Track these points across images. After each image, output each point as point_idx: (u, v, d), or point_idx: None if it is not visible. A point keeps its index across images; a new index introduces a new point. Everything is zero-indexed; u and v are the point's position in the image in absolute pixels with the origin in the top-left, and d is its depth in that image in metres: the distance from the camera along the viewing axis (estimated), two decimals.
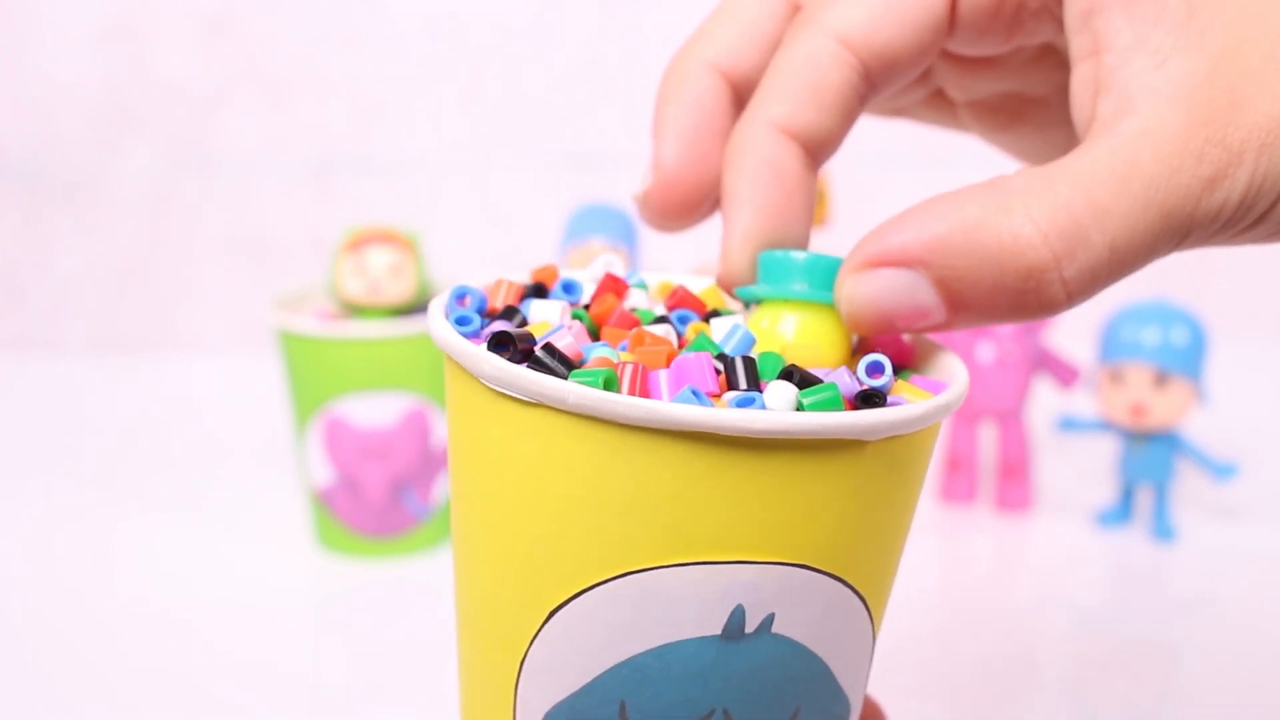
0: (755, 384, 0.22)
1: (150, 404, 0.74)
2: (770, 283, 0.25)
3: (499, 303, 0.25)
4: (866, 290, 0.22)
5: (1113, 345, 0.52)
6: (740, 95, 0.28)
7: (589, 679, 0.22)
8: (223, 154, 0.86)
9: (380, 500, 0.49)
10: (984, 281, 0.21)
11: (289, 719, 0.39)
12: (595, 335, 0.24)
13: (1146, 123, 0.21)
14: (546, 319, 0.24)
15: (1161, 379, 0.51)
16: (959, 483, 0.56)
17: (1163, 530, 0.52)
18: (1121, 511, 0.53)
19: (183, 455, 0.64)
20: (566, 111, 0.85)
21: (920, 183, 0.84)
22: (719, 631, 0.22)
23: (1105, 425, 0.53)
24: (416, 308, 0.50)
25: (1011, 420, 0.55)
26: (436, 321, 0.24)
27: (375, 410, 0.49)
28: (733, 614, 0.22)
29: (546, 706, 0.23)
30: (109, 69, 0.84)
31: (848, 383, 0.22)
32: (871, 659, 0.25)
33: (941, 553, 0.52)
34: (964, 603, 0.47)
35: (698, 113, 0.27)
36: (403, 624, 0.45)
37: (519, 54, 0.85)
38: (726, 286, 0.26)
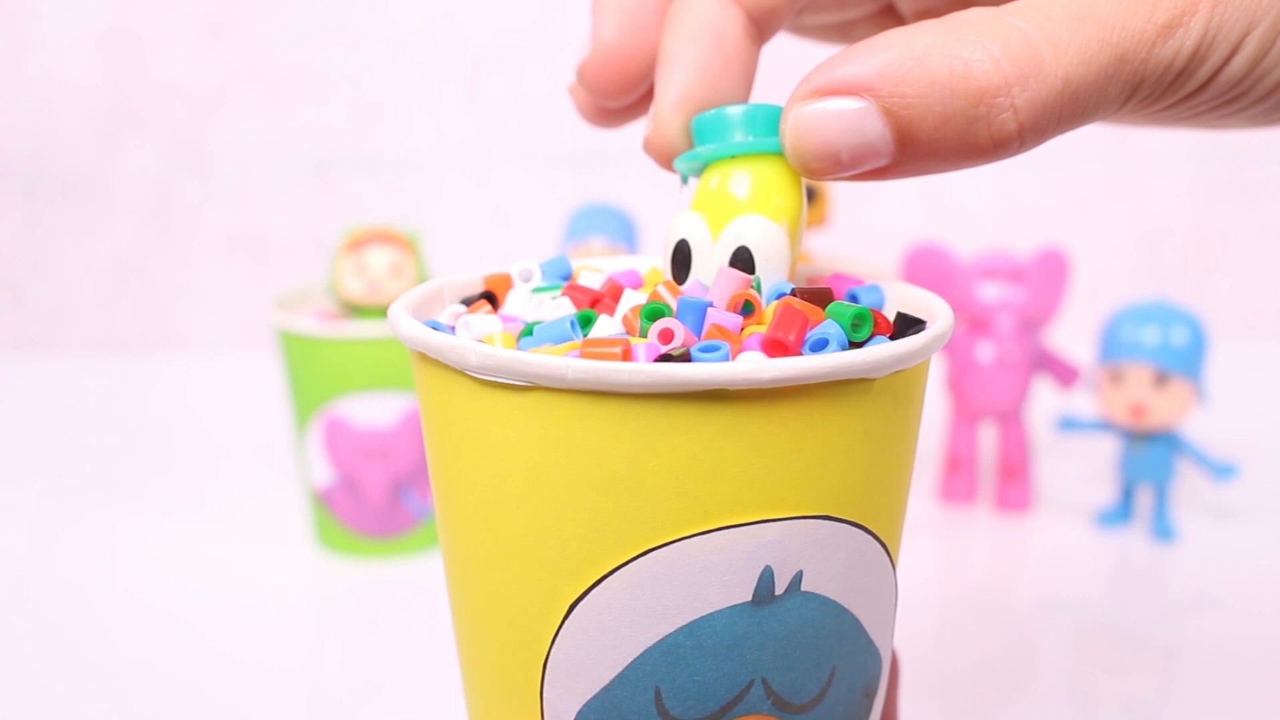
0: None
1: (150, 404, 0.74)
2: (710, 142, 0.24)
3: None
4: (812, 121, 0.21)
5: (1113, 345, 0.52)
6: None
7: (619, 669, 0.21)
8: (223, 154, 0.86)
9: (380, 500, 0.49)
10: (933, 110, 0.20)
11: (289, 719, 0.39)
12: None
13: None
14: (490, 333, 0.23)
15: (1161, 379, 0.51)
16: (959, 483, 0.56)
17: (1163, 530, 0.52)
18: (1121, 511, 0.53)
19: (183, 455, 0.64)
20: (566, 111, 0.85)
21: (919, 181, 0.84)
22: (749, 597, 0.21)
23: (1105, 425, 0.53)
24: None
25: (1011, 420, 0.55)
26: (406, 322, 0.23)
27: (375, 410, 0.49)
28: (762, 576, 0.21)
29: (577, 706, 0.22)
30: (109, 69, 0.84)
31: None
32: (895, 610, 0.24)
33: (941, 553, 0.52)
34: (964, 603, 0.47)
35: None
36: (403, 624, 0.45)
37: (519, 54, 0.85)
38: (656, 151, 0.25)
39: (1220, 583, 0.48)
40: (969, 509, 0.56)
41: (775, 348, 0.21)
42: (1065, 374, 0.55)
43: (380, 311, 0.49)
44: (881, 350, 0.20)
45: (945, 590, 0.48)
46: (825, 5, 0.30)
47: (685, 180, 0.26)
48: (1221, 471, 0.52)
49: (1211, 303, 0.82)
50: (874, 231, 0.80)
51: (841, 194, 0.68)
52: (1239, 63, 0.21)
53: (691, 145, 0.25)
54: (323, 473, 0.50)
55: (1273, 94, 0.22)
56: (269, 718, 0.38)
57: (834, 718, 0.23)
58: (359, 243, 0.50)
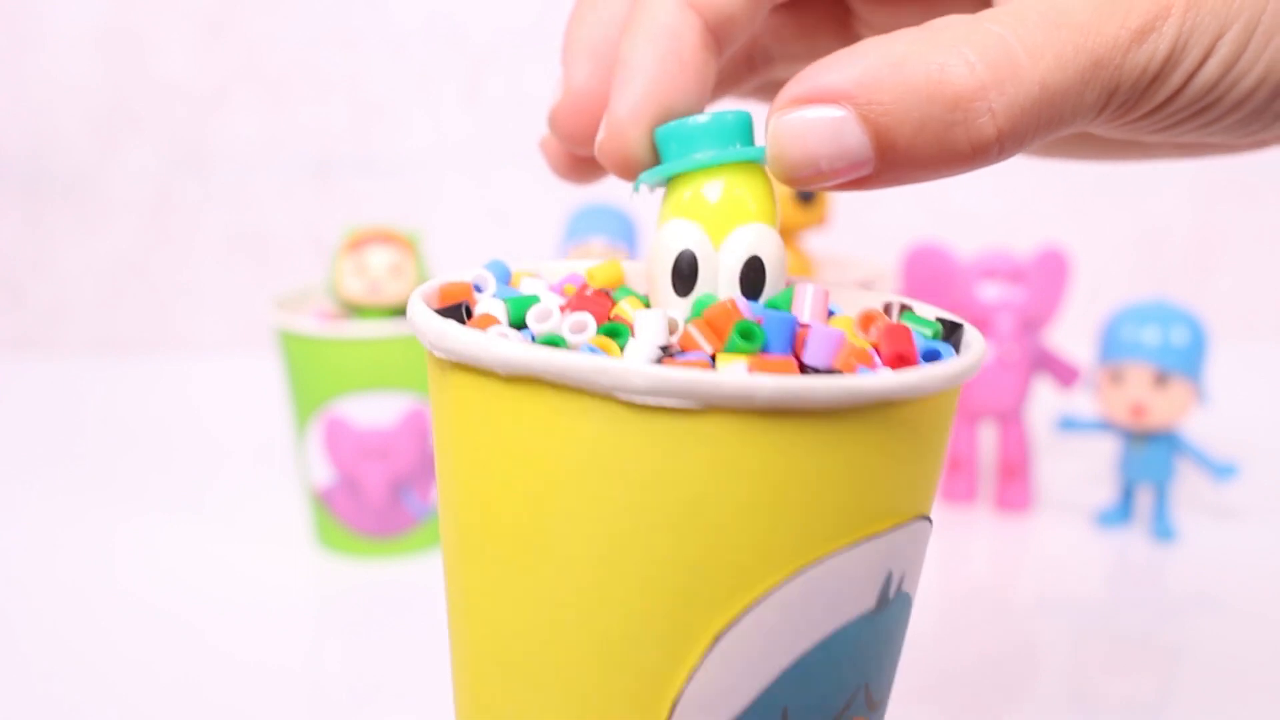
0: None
1: (150, 404, 0.74)
2: (678, 155, 0.24)
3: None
4: (792, 130, 0.21)
5: (1113, 345, 0.52)
6: None
7: (755, 695, 0.20)
8: (223, 154, 0.86)
9: (380, 500, 0.49)
10: (911, 116, 0.20)
11: (289, 719, 0.39)
12: None
13: None
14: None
15: (1161, 379, 0.51)
16: (959, 483, 0.56)
17: (1163, 530, 0.52)
18: (1121, 511, 0.53)
19: (183, 455, 0.64)
20: None
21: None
22: (874, 605, 0.21)
23: (1105, 425, 0.53)
24: None
25: (1011, 420, 0.55)
26: (523, 349, 0.19)
27: (375, 410, 0.49)
28: (885, 582, 0.21)
29: None
30: (109, 69, 0.84)
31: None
32: None
33: (941, 553, 0.52)
34: (964, 603, 0.47)
35: (609, 31, 0.26)
36: (403, 624, 0.45)
37: (519, 54, 0.85)
38: (612, 157, 0.25)
39: (1220, 583, 0.48)
40: (969, 509, 0.56)
41: (902, 362, 0.21)
42: (1065, 374, 0.55)
43: (380, 311, 0.49)
44: (977, 352, 0.22)
45: (945, 590, 0.48)
46: (795, 53, 0.30)
47: (637, 188, 0.25)
48: (1221, 471, 0.52)
49: (1211, 303, 0.82)
50: (874, 232, 0.80)
51: (841, 195, 0.68)
52: (1212, 67, 0.21)
53: (652, 154, 0.25)
54: (323, 473, 0.50)
55: (1247, 101, 0.22)
56: (269, 718, 0.38)
57: (885, 711, 0.23)
58: (359, 243, 0.50)
